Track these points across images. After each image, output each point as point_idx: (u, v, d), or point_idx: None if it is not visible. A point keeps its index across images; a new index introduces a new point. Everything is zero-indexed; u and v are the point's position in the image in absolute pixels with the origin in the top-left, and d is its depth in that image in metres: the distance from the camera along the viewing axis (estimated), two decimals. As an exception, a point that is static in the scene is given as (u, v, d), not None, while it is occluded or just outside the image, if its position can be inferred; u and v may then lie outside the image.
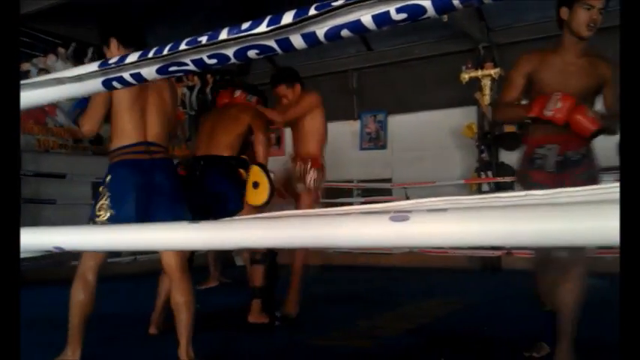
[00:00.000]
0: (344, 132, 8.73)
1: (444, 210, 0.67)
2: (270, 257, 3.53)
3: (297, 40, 0.78)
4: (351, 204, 8.36)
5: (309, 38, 0.77)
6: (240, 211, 3.24)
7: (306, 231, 0.72)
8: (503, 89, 2.60)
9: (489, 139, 7.45)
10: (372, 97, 8.73)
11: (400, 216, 0.69)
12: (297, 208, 3.65)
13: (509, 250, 6.15)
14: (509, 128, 7.23)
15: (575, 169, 2.45)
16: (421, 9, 0.68)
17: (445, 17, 5.48)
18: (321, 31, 0.76)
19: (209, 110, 3.74)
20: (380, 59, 8.41)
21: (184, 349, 2.50)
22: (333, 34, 0.76)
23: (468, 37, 7.27)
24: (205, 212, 2.92)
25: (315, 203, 3.74)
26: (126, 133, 2.53)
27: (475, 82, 7.07)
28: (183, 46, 0.82)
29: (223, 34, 0.81)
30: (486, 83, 6.99)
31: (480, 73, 7.04)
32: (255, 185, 3.24)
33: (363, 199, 8.22)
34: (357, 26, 0.73)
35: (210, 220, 0.83)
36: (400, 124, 8.34)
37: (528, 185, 2.49)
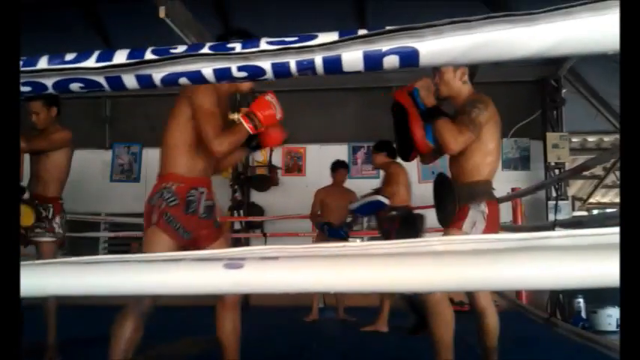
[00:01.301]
0: (93, 161, 8.19)
1: (276, 258, 0.72)
2: None
3: (130, 81, 0.76)
4: (97, 238, 7.81)
5: (144, 80, 0.76)
6: None
7: (134, 277, 0.69)
8: (208, 122, 2.33)
9: (242, 180, 7.78)
10: (126, 127, 8.39)
11: (234, 264, 0.71)
12: (38, 256, 3.31)
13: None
14: (260, 170, 7.67)
15: (213, 216, 2.47)
16: (261, 70, 0.74)
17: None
18: (158, 75, 0.76)
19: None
20: (136, 90, 8.15)
21: None
22: (170, 80, 0.76)
23: (230, 80, 7.52)
24: None
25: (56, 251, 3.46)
26: None
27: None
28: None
29: (43, 62, 0.74)
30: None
31: (236, 116, 7.29)
32: None
33: (111, 234, 7.75)
34: (197, 77, 0.75)
35: None
36: (156, 157, 8.15)
37: (175, 228, 2.29)
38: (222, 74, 0.74)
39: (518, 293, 6.15)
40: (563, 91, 7.02)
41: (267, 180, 7.74)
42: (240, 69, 0.74)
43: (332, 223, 5.38)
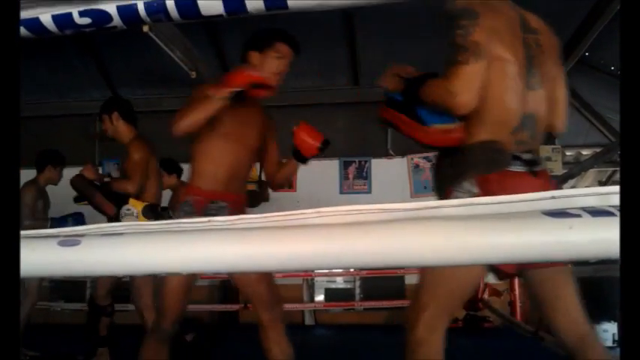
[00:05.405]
0: (82, 179, 8.09)
1: (120, 234, 0.61)
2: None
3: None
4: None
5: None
6: None
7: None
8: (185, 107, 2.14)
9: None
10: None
11: (70, 240, 0.60)
12: None
13: (245, 305, 6.26)
14: (250, 186, 7.55)
15: None
16: (106, 15, 0.64)
17: (194, 74, 5.55)
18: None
19: None
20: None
21: None
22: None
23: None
24: None
25: None
26: None
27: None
28: None
29: None
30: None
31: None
32: None
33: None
34: (35, 25, 0.65)
35: None
36: (144, 175, 8.04)
37: None
38: (64, 21, 0.64)
39: (512, 309, 5.98)
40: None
41: (258, 196, 7.60)
42: (82, 14, 0.63)
43: None
